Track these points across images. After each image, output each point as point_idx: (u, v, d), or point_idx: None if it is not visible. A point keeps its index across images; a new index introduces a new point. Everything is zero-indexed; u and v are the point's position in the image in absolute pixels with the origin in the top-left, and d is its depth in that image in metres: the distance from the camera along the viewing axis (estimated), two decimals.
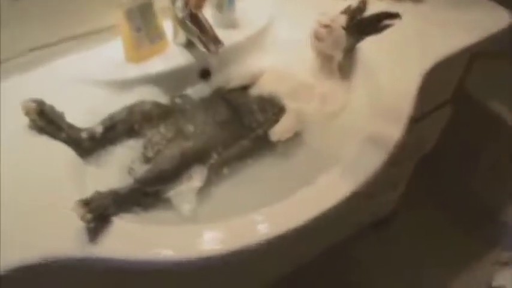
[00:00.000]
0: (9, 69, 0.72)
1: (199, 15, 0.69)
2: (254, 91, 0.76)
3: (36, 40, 0.73)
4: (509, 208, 1.35)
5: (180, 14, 0.70)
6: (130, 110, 0.70)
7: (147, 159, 0.67)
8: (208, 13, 0.81)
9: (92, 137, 0.66)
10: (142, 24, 0.71)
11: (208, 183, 0.66)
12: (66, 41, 0.76)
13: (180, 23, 0.73)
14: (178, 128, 0.70)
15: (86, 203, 0.54)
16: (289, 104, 0.75)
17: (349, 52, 0.79)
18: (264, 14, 0.87)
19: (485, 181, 1.37)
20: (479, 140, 1.34)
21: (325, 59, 0.79)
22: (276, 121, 0.72)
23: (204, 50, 0.70)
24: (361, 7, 0.84)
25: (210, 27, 0.70)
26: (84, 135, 0.65)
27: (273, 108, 0.74)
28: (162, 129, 0.70)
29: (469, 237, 1.36)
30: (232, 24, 0.83)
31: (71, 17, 0.74)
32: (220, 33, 0.78)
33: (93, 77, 0.73)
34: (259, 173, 0.69)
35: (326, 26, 0.73)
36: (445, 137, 1.16)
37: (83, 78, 0.73)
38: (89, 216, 0.53)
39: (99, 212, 0.55)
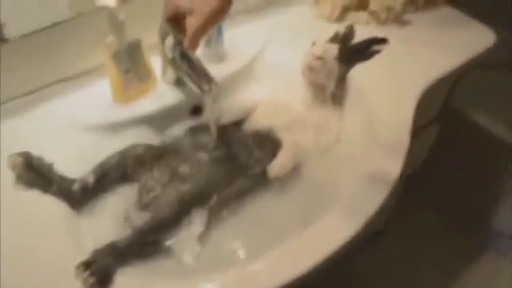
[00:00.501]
0: None
1: (190, 54, 0.67)
2: (248, 126, 0.75)
3: (23, 85, 0.70)
4: (501, 212, 1.37)
5: (170, 54, 0.68)
6: (122, 154, 0.67)
7: (143, 206, 0.64)
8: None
9: (84, 188, 0.63)
10: (131, 65, 0.69)
11: (207, 227, 0.63)
12: (53, 84, 0.73)
13: (170, 61, 0.70)
14: (173, 169, 0.68)
15: (87, 265, 0.51)
16: (285, 137, 0.73)
17: (341, 81, 0.79)
18: (253, 43, 0.86)
19: (477, 185, 1.39)
20: (467, 150, 1.36)
21: (317, 89, 0.78)
22: (273, 156, 0.70)
23: (196, 89, 0.67)
24: (350, 33, 0.84)
25: (201, 65, 0.68)
26: (75, 187, 0.62)
27: (270, 143, 0.72)
28: (156, 172, 0.67)
29: (463, 240, 1.37)
30: (221, 58, 0.81)
31: (58, 59, 0.71)
32: (210, 68, 0.76)
33: (82, 121, 0.71)
34: (258, 212, 0.67)
35: (319, 58, 0.72)
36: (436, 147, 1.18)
37: (71, 123, 0.70)
38: (92, 280, 0.50)
39: (102, 274, 0.52)
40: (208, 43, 0.79)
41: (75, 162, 0.66)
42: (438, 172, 1.45)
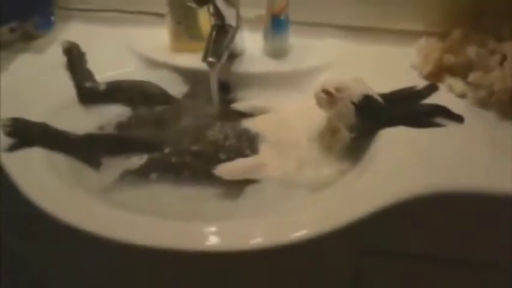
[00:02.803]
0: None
1: (215, 30, 0.72)
2: (246, 122, 0.74)
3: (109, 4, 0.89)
4: None
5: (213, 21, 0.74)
6: (137, 85, 0.78)
7: (119, 127, 0.75)
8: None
9: (94, 90, 0.76)
10: (183, 18, 0.77)
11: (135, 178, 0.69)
12: (142, 14, 0.88)
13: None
14: (163, 118, 0.76)
15: (16, 120, 0.65)
16: (262, 151, 0.70)
17: (361, 134, 0.67)
18: (324, 57, 0.81)
19: None
20: None
21: (329, 127, 0.70)
22: (237, 157, 0.69)
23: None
24: (421, 93, 0.71)
25: (224, 39, 0.73)
26: (87, 84, 0.76)
27: (244, 147, 0.70)
28: (151, 111, 0.77)
29: None
30: (276, 54, 0.81)
31: None
32: (259, 58, 0.81)
33: (137, 48, 0.83)
34: (186, 191, 0.68)
35: (326, 92, 0.65)
36: None
37: (130, 46, 0.84)
38: (8, 129, 0.64)
39: (21, 132, 0.65)
40: (264, 36, 0.80)
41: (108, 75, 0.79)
42: None
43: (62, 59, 0.80)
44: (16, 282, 0.93)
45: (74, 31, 0.89)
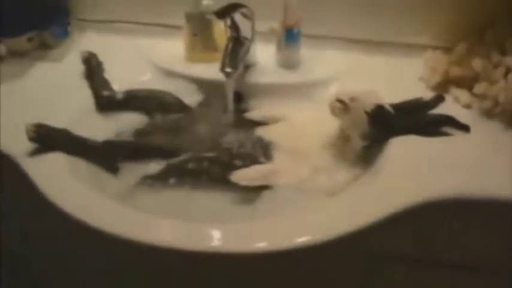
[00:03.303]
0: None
1: (231, 42, 0.75)
2: (260, 131, 0.77)
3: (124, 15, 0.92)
4: None
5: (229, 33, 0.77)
6: (153, 94, 0.81)
7: (136, 134, 0.77)
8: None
9: (111, 99, 0.79)
10: (199, 30, 0.80)
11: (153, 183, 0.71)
12: (156, 26, 0.92)
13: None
14: (179, 126, 0.78)
15: (40, 126, 0.67)
16: (276, 158, 0.72)
17: (374, 142, 0.70)
18: (334, 69, 0.84)
19: None
20: None
21: (342, 136, 0.72)
22: (248, 165, 0.71)
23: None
24: (429, 104, 0.74)
25: (240, 50, 0.76)
26: (105, 93, 0.79)
27: (259, 154, 0.73)
28: (167, 119, 0.79)
29: None
30: (288, 65, 0.84)
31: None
32: (272, 69, 0.84)
33: (152, 58, 0.86)
34: (203, 196, 0.70)
35: (340, 102, 0.67)
36: None
37: (146, 56, 0.86)
38: (32, 134, 0.66)
39: (45, 138, 0.67)
40: (277, 47, 0.83)
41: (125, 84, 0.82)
42: None
43: (79, 68, 0.83)
44: (16, 283, 0.94)
45: (90, 41, 0.92)
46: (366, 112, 0.68)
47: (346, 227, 0.60)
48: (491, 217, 0.66)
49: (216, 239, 0.60)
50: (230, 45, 0.75)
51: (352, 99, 0.67)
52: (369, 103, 0.68)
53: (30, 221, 0.77)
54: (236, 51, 0.75)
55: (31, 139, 0.67)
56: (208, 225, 0.62)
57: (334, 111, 0.69)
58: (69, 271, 0.86)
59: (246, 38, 0.77)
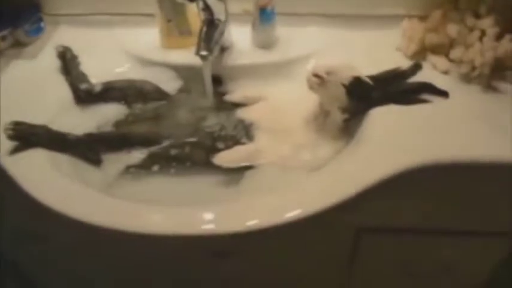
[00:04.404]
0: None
1: (205, 25, 0.74)
2: (241, 112, 0.77)
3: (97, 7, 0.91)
4: None
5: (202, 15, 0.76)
6: (132, 83, 0.80)
7: (117, 125, 0.77)
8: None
9: (89, 91, 0.78)
10: (173, 15, 0.79)
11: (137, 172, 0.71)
12: (130, 16, 0.90)
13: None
14: (160, 114, 0.78)
15: (18, 123, 0.67)
16: (257, 138, 0.73)
17: (353, 114, 0.70)
18: (311, 45, 0.83)
19: None
20: None
21: (322, 111, 0.72)
22: (230, 147, 0.71)
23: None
24: (406, 73, 0.74)
25: (215, 32, 0.75)
26: (83, 86, 0.78)
27: (240, 135, 0.73)
28: (147, 107, 0.79)
29: None
30: (264, 45, 0.83)
31: None
32: (248, 49, 0.84)
33: (129, 48, 0.85)
34: (188, 181, 0.70)
35: (316, 76, 0.67)
36: None
37: (122, 47, 0.85)
38: (11, 132, 0.66)
39: (24, 135, 0.67)
40: (253, 26, 0.82)
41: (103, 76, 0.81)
42: None
43: (55, 63, 0.82)
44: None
45: (64, 36, 0.90)
46: (343, 85, 0.68)
47: (334, 198, 0.61)
48: (475, 180, 0.68)
49: (207, 222, 0.61)
50: (204, 28, 0.74)
51: (329, 73, 0.67)
52: (346, 76, 0.68)
53: (18, 221, 0.77)
54: (210, 34, 0.74)
55: (10, 137, 0.66)
56: (197, 209, 0.62)
57: (311, 86, 0.69)
58: (61, 270, 0.87)
59: (220, 20, 0.76)
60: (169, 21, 0.80)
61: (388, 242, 0.75)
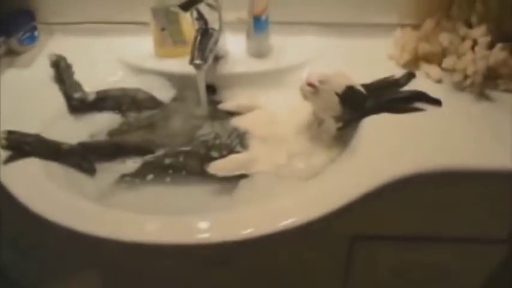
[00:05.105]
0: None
1: (199, 34, 0.74)
2: (235, 121, 0.77)
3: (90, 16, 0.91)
4: None
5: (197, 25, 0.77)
6: (125, 91, 0.80)
7: (111, 134, 0.76)
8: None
9: (83, 100, 0.78)
10: (166, 24, 0.80)
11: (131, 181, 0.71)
12: (124, 24, 0.90)
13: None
14: (154, 123, 0.78)
15: (11, 133, 0.67)
16: (252, 146, 0.72)
17: (347, 123, 0.70)
18: (305, 54, 0.84)
19: None
20: None
21: (316, 119, 0.72)
22: (225, 156, 0.71)
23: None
24: (399, 82, 0.75)
25: (209, 41, 0.75)
26: (76, 95, 0.77)
27: (235, 144, 0.73)
28: (141, 116, 0.79)
29: None
30: (259, 54, 0.83)
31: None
32: (243, 58, 0.84)
33: (122, 57, 0.85)
34: (182, 190, 0.70)
35: (310, 85, 0.68)
36: None
37: (116, 55, 0.85)
38: (4, 142, 0.65)
39: (17, 144, 0.66)
40: (247, 35, 0.82)
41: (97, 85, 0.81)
42: None
43: (49, 72, 0.81)
44: None
45: (58, 44, 0.90)
46: (337, 94, 0.68)
47: (329, 206, 0.61)
48: (470, 188, 0.68)
49: (202, 231, 0.60)
50: (198, 37, 0.75)
51: (322, 81, 0.68)
52: (339, 84, 0.68)
53: (12, 231, 0.77)
54: (205, 43, 0.74)
55: (3, 147, 0.66)
56: (192, 218, 0.62)
57: (305, 95, 0.69)
58: (53, 280, 0.86)
59: (214, 29, 0.77)
60: (163, 30, 0.80)
61: (383, 250, 0.75)
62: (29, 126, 0.71)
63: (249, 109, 0.78)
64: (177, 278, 0.77)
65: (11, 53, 0.88)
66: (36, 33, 0.90)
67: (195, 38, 0.75)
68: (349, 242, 0.72)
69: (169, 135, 0.75)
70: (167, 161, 0.71)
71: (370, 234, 0.72)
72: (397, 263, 0.78)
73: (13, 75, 0.84)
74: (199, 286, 0.80)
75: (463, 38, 0.76)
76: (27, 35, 0.89)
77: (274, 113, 0.77)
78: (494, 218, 0.72)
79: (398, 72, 0.78)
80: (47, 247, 0.75)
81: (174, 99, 0.81)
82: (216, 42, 0.77)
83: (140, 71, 0.83)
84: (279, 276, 0.76)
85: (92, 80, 0.81)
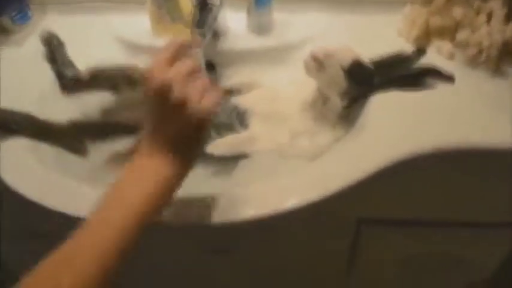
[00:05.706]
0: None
1: (198, 9, 0.71)
2: (235, 99, 0.73)
3: None
4: None
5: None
6: (120, 71, 0.76)
7: (104, 112, 0.73)
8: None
9: (76, 78, 0.74)
10: (164, 1, 0.76)
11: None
12: (118, 3, 0.86)
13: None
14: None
15: (1, 110, 0.64)
16: (252, 124, 0.69)
17: (353, 100, 0.66)
18: (309, 30, 0.80)
19: None
20: None
21: (321, 96, 0.68)
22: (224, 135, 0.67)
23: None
24: (409, 58, 0.70)
25: (207, 18, 0.71)
26: (69, 73, 0.74)
27: (235, 123, 0.69)
28: (137, 95, 0.75)
29: None
30: (260, 30, 0.79)
31: None
32: (243, 34, 0.80)
33: (118, 35, 0.82)
34: None
35: (316, 59, 0.63)
36: None
37: (112, 34, 0.82)
38: None
39: (6, 122, 0.64)
40: (248, 11, 0.78)
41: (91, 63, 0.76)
42: None
43: (41, 51, 0.77)
44: None
45: (52, 23, 0.87)
46: (343, 68, 0.64)
47: (334, 186, 0.57)
48: (482, 168, 0.64)
49: (201, 212, 0.57)
50: (197, 12, 0.71)
51: (327, 56, 0.63)
52: (345, 59, 0.64)
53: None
54: (203, 18, 0.70)
55: None
56: (191, 199, 0.59)
57: (309, 71, 0.65)
58: None
59: (214, 5, 0.73)
60: (160, 7, 0.77)
61: (390, 234, 0.71)
62: (19, 105, 0.67)
63: (250, 87, 0.74)
64: (176, 261, 0.74)
65: (4, 31, 0.84)
66: (30, 12, 0.87)
67: (194, 13, 0.71)
68: (356, 225, 0.69)
69: None
70: None
71: (377, 218, 0.68)
72: (405, 249, 0.74)
73: (5, 53, 0.80)
74: (200, 271, 0.76)
75: (477, 12, 0.72)
76: (20, 13, 0.85)
77: (276, 91, 0.73)
78: (507, 200, 0.68)
79: (408, 48, 0.73)
80: (38, 231, 0.71)
81: None
82: (215, 17, 0.73)
83: (137, 48, 0.80)
84: (283, 259, 0.73)
85: (87, 59, 0.77)
